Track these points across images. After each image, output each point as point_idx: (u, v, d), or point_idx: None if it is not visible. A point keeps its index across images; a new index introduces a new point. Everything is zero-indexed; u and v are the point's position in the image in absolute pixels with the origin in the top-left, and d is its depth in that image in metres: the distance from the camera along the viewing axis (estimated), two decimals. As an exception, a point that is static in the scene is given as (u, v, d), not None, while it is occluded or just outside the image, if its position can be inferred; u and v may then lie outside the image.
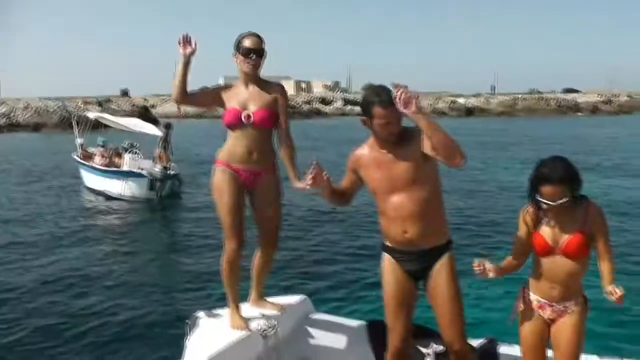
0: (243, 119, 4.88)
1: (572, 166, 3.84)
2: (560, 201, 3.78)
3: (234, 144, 4.92)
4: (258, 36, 4.96)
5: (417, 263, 4.30)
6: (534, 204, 3.96)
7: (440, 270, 4.27)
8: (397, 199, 4.18)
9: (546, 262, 3.98)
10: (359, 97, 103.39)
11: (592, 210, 3.92)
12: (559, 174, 3.75)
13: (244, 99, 4.94)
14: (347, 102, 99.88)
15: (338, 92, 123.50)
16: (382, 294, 4.49)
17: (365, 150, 4.33)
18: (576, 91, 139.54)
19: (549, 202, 3.80)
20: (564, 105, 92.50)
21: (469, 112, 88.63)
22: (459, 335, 4.31)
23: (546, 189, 3.78)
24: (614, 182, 24.86)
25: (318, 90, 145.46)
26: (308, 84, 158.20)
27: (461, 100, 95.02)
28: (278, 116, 5.02)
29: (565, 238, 3.91)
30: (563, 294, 4.02)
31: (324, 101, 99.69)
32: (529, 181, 3.95)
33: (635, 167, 29.66)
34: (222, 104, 4.98)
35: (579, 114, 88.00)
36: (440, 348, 5.10)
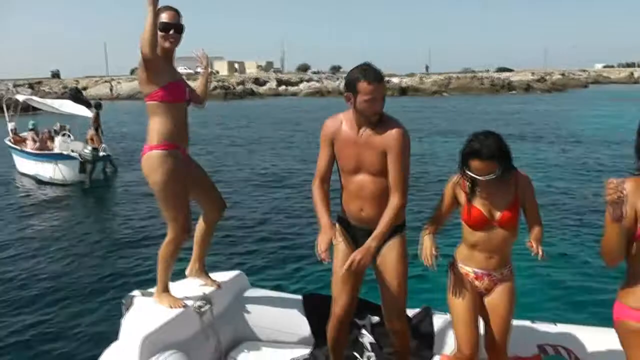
0: (186, 95, 4.81)
1: (503, 142, 3.85)
2: (489, 176, 3.80)
3: (173, 123, 4.72)
4: (175, 10, 4.73)
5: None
6: (465, 177, 3.97)
7: (390, 248, 4.33)
8: (361, 178, 4.22)
9: (483, 233, 4.02)
10: (292, 78, 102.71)
11: (522, 180, 3.99)
12: (489, 150, 3.76)
13: (176, 75, 4.80)
14: (280, 82, 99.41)
15: (272, 73, 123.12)
16: (332, 264, 4.49)
17: (342, 125, 4.27)
18: (510, 70, 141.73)
19: (477, 177, 3.84)
20: (498, 84, 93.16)
21: (403, 91, 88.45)
22: (399, 313, 4.43)
23: (476, 163, 3.80)
24: (544, 149, 26.55)
25: (251, 70, 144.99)
26: (241, 64, 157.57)
27: (395, 80, 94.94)
28: None
29: (500, 209, 3.96)
30: (499, 262, 4.09)
31: (258, 82, 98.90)
32: (459, 154, 3.94)
33: (564, 137, 31.54)
34: (159, 73, 4.64)
35: (513, 92, 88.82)
36: (376, 319, 5.20)
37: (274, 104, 69.36)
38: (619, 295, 3.34)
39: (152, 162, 4.71)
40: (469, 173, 3.87)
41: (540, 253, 3.81)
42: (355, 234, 4.40)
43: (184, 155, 4.86)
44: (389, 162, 4.09)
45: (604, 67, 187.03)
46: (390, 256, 4.33)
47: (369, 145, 4.13)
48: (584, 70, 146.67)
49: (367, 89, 3.98)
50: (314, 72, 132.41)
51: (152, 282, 5.19)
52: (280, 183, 19.46)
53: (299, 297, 5.60)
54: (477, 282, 4.15)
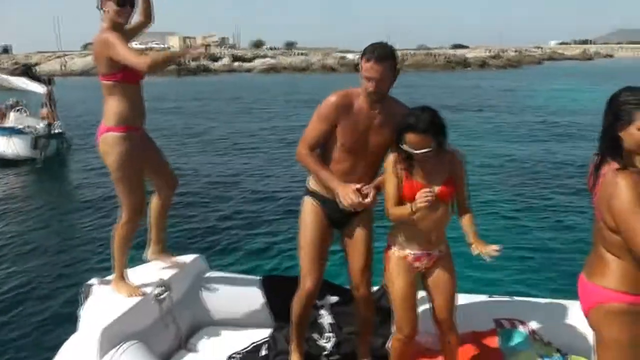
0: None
1: (439, 117, 3.87)
2: (424, 150, 3.81)
3: (130, 103, 4.64)
4: None
5: (341, 215, 4.35)
6: (400, 152, 3.95)
7: (362, 219, 4.41)
8: (354, 159, 4.24)
9: (424, 210, 3.96)
10: (247, 54, 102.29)
11: (457, 157, 4.05)
12: (424, 124, 3.77)
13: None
14: (235, 58, 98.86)
15: (226, 49, 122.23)
16: (300, 237, 4.49)
17: (357, 101, 4.20)
18: (465, 47, 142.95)
19: (412, 151, 3.84)
20: (453, 61, 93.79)
21: (358, 67, 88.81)
22: (367, 281, 4.49)
23: (411, 137, 3.80)
24: (501, 121, 28.17)
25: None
26: (194, 40, 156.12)
27: (350, 56, 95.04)
28: None
29: (439, 184, 3.98)
30: (438, 239, 4.13)
31: (212, 57, 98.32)
32: (395, 129, 3.95)
33: (519, 109, 33.06)
34: None
35: (468, 68, 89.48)
36: (335, 299, 5.25)
37: (228, 81, 68.94)
38: (594, 276, 3.25)
39: (107, 144, 4.66)
40: (405, 147, 3.86)
41: (493, 251, 3.88)
42: (330, 210, 4.38)
43: (140, 135, 4.81)
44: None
45: (559, 44, 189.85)
46: (361, 227, 4.43)
47: (381, 128, 4.17)
48: (539, 47, 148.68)
49: (365, 66, 4.02)
50: (270, 49, 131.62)
51: (110, 269, 5.11)
52: (241, 162, 19.44)
53: (258, 277, 5.60)
54: (416, 264, 4.16)
